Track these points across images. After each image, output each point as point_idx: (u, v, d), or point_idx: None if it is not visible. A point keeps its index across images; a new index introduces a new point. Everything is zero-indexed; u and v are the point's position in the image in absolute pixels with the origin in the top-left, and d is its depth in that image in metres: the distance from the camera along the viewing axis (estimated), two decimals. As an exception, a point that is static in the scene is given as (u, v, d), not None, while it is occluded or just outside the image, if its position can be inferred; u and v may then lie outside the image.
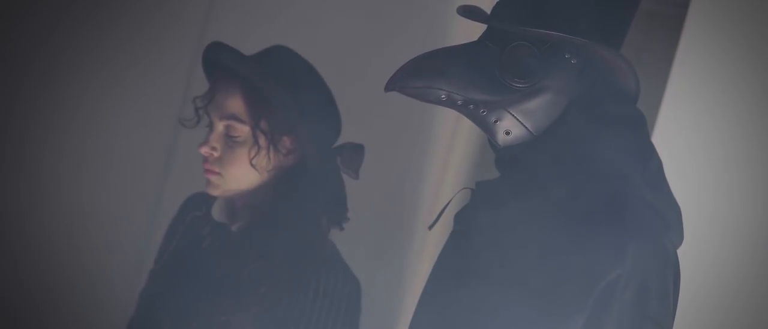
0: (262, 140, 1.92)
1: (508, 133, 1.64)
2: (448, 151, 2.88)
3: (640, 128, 1.69)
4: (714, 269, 2.36)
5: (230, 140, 1.93)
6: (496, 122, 1.64)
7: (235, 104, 1.92)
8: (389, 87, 1.65)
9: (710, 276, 2.36)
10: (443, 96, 1.64)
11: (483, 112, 1.64)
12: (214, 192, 1.96)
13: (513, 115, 1.63)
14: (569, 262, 1.57)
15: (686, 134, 2.47)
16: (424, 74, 1.64)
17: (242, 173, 1.93)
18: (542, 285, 1.58)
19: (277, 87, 1.90)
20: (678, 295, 1.66)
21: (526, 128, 1.63)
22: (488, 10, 1.70)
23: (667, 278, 1.62)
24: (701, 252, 2.33)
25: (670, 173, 2.32)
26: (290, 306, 1.88)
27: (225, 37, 2.01)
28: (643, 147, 1.68)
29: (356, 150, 1.98)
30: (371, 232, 3.10)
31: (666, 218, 1.65)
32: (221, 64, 1.94)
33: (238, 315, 1.88)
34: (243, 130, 1.92)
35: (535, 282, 1.59)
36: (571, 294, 1.56)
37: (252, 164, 1.92)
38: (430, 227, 1.80)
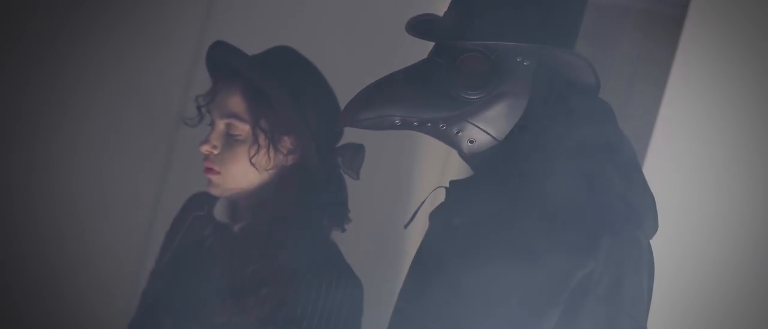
0: (261, 139, 1.92)
1: (472, 141, 1.64)
2: (448, 151, 2.88)
3: (607, 119, 1.69)
4: (714, 269, 2.37)
5: (231, 139, 1.93)
6: (458, 133, 1.63)
7: (236, 102, 1.92)
8: (340, 124, 1.64)
9: (710, 277, 2.36)
10: (397, 121, 1.63)
11: (443, 126, 1.63)
12: (215, 192, 1.95)
13: (474, 124, 1.62)
14: (542, 257, 1.57)
15: (686, 134, 2.47)
16: (372, 105, 1.62)
17: (242, 172, 1.93)
18: (516, 281, 1.58)
19: (278, 87, 1.90)
20: (652, 287, 1.66)
21: (489, 134, 1.63)
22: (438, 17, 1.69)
23: (640, 271, 1.62)
24: (701, 252, 2.33)
25: (669, 173, 2.32)
26: (292, 307, 1.87)
27: (225, 37, 2.00)
28: (613, 138, 1.68)
29: (357, 151, 1.98)
30: (373, 232, 3.09)
31: (639, 210, 1.65)
32: (223, 63, 1.94)
33: (240, 316, 1.88)
34: (243, 128, 1.92)
35: (508, 279, 1.59)
36: (545, 289, 1.57)
37: (251, 163, 1.92)
38: (406, 226, 1.80)
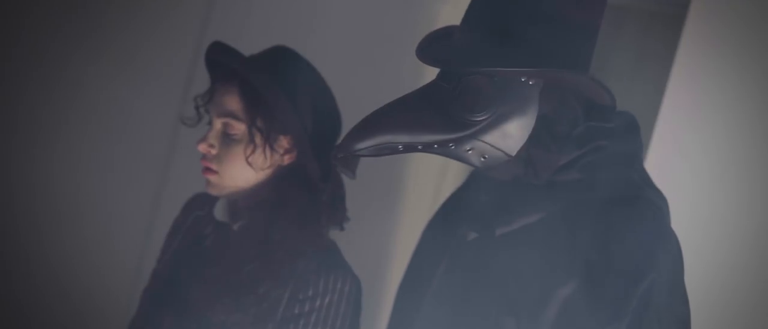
0: (258, 139, 1.92)
1: (484, 157, 1.63)
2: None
3: (633, 131, 1.70)
4: (712, 270, 2.36)
5: (227, 138, 1.93)
6: (469, 150, 1.62)
7: (233, 102, 1.93)
8: (338, 153, 1.63)
9: (708, 277, 2.36)
10: (400, 147, 1.62)
11: (452, 146, 1.62)
12: (213, 191, 1.96)
13: (484, 142, 1.62)
14: (602, 273, 1.58)
15: (686, 135, 2.47)
16: (369, 135, 1.61)
17: (238, 171, 1.94)
18: (576, 300, 1.59)
19: (274, 86, 1.90)
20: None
21: (500, 151, 1.62)
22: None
23: (681, 266, 1.66)
24: (699, 252, 2.33)
25: (668, 173, 2.32)
26: (290, 305, 1.87)
27: (224, 37, 2.01)
28: (636, 146, 1.69)
29: (354, 150, 1.98)
30: (372, 231, 3.09)
31: (666, 213, 1.67)
32: (220, 64, 1.94)
33: (237, 315, 1.88)
34: (240, 128, 1.93)
35: (567, 295, 1.59)
36: (608, 304, 1.57)
37: (248, 162, 1.93)
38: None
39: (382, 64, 2.93)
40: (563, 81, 1.61)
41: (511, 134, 1.60)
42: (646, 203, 1.64)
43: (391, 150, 1.62)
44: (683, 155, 2.45)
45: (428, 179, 3.17)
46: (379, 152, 1.62)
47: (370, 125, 1.62)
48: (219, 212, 2.01)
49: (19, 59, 2.73)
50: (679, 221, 1.81)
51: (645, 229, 1.61)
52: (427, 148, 1.62)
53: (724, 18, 2.45)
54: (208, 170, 1.94)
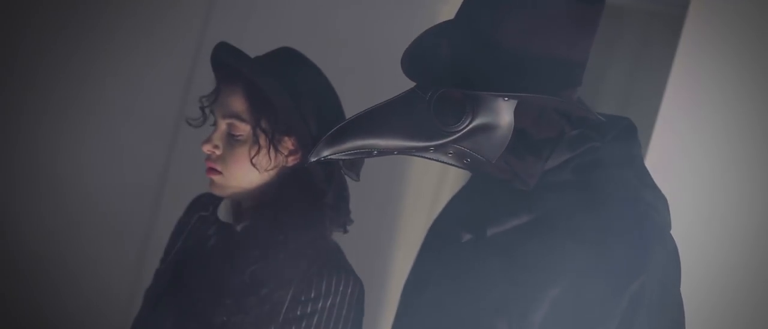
0: (262, 140, 1.92)
1: (467, 160, 1.64)
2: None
3: (630, 132, 1.70)
4: (711, 270, 2.37)
5: (232, 139, 1.93)
6: (450, 154, 1.64)
7: (237, 103, 1.92)
8: (311, 157, 1.65)
9: (709, 278, 2.36)
10: (375, 152, 1.64)
11: (431, 150, 1.64)
12: (216, 191, 1.96)
13: (463, 148, 1.63)
14: (594, 272, 1.58)
15: (686, 135, 2.47)
16: (342, 141, 1.63)
17: (243, 172, 1.94)
18: (566, 301, 1.59)
19: (278, 88, 1.90)
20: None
21: (480, 157, 1.63)
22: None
23: (676, 272, 1.65)
24: (698, 252, 2.33)
25: (668, 173, 2.32)
26: (292, 307, 1.87)
27: (225, 38, 2.01)
28: (632, 147, 1.69)
29: (357, 151, 1.98)
30: (375, 233, 3.09)
31: (663, 213, 1.67)
32: (226, 64, 1.94)
33: (239, 316, 1.88)
34: (244, 129, 1.92)
35: (557, 296, 1.59)
36: (598, 304, 1.57)
37: (252, 163, 1.93)
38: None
39: (383, 64, 2.94)
40: (541, 101, 1.62)
41: (487, 144, 1.61)
42: (640, 204, 1.64)
43: (366, 154, 1.64)
44: (684, 155, 2.46)
45: (429, 181, 3.17)
46: (354, 156, 1.64)
47: (345, 131, 1.63)
48: (222, 212, 2.01)
49: (20, 60, 2.73)
50: (680, 221, 1.82)
51: (638, 229, 1.61)
52: (404, 152, 1.64)
53: (724, 18, 2.45)
54: (212, 170, 1.94)
